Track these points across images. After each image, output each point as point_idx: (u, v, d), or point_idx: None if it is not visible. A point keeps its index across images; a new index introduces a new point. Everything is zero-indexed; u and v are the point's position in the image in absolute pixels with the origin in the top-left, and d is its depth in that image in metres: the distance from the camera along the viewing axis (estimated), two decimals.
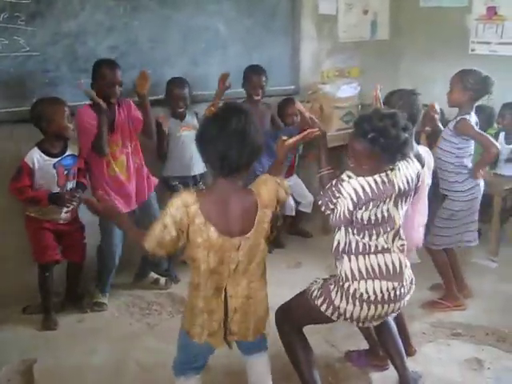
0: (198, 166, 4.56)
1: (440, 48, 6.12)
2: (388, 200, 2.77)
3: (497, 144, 4.02)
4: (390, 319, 3.29)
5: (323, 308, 2.87)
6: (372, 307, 2.83)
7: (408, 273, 2.93)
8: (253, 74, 4.89)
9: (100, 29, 4.23)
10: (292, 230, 5.50)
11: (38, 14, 3.90)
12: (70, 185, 3.95)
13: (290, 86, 5.60)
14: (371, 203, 2.73)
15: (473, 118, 4.01)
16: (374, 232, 2.80)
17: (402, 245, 2.91)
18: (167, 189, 4.58)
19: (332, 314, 2.87)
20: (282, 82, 5.49)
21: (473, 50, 6.03)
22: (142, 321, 4.02)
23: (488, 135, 4.08)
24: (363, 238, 2.80)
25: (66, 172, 3.90)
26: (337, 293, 2.84)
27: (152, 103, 4.29)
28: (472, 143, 4.08)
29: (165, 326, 3.93)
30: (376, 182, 2.73)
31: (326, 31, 5.87)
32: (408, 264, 2.94)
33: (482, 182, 4.12)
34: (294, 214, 5.26)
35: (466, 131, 3.97)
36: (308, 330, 3.07)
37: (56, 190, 3.86)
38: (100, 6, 4.20)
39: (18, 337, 3.79)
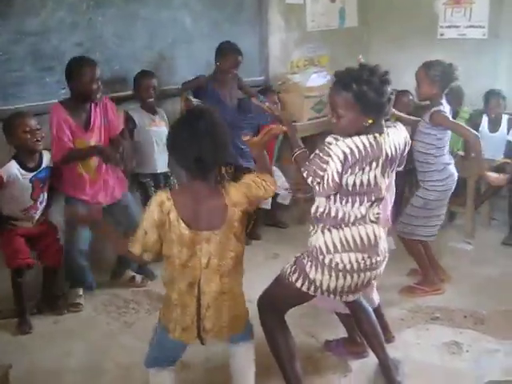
0: (164, 164, 4.55)
1: (409, 34, 6.13)
2: (375, 165, 2.70)
3: (473, 131, 4.01)
4: (368, 305, 3.28)
5: (299, 283, 2.84)
6: (348, 277, 2.80)
7: (383, 244, 2.89)
8: (233, 52, 4.79)
9: (63, 26, 4.15)
10: (268, 221, 5.47)
11: None
12: (42, 196, 3.94)
13: (259, 77, 5.60)
14: (356, 166, 2.66)
15: (446, 108, 4.01)
16: (358, 200, 2.74)
17: (378, 213, 2.85)
18: (137, 186, 4.57)
19: (308, 288, 2.83)
20: (251, 73, 5.47)
21: (442, 35, 6.06)
22: (119, 320, 3.98)
23: (463, 124, 4.07)
24: (345, 205, 2.75)
25: (41, 185, 3.89)
26: (311, 265, 2.80)
27: (119, 99, 4.28)
28: (449, 131, 4.08)
29: (142, 324, 3.88)
30: (364, 145, 2.66)
31: (294, 21, 5.85)
32: (383, 236, 2.90)
33: (455, 175, 4.12)
34: (269, 207, 5.24)
35: (442, 122, 3.96)
36: (287, 321, 3.05)
37: (29, 202, 3.85)
38: (62, 2, 4.11)
39: None
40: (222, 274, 2.60)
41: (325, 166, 2.68)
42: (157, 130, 4.51)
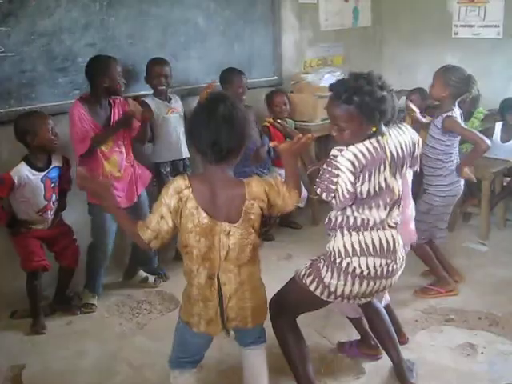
0: (186, 149, 4.55)
1: (423, 33, 6.11)
2: (383, 168, 2.69)
3: (485, 139, 3.96)
4: (382, 307, 3.26)
5: (313, 287, 2.81)
6: (364, 283, 2.77)
7: (401, 251, 2.87)
8: (234, 76, 4.82)
9: (76, 26, 4.15)
10: (282, 221, 5.45)
11: (11, 14, 3.82)
12: (55, 196, 3.93)
13: (272, 76, 5.58)
14: (366, 172, 2.64)
15: (457, 112, 3.97)
16: (373, 204, 2.73)
17: (396, 218, 2.83)
18: (158, 176, 4.52)
19: (322, 292, 2.80)
20: (264, 73, 5.48)
21: (456, 34, 6.02)
22: (132, 320, 3.98)
23: (475, 131, 4.01)
24: (362, 212, 2.73)
25: (52, 185, 3.89)
26: (327, 269, 2.78)
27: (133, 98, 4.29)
28: (458, 137, 4.04)
29: (155, 324, 3.90)
30: (368, 149, 2.65)
31: (308, 20, 5.83)
32: (401, 242, 2.88)
33: (462, 181, 4.08)
34: None
35: (453, 129, 3.93)
36: (299, 322, 3.04)
37: (43, 203, 3.84)
38: (75, 2, 4.12)
39: (6, 342, 3.74)
40: (240, 265, 2.58)
41: (335, 179, 2.65)
42: (174, 116, 4.52)
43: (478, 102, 5.22)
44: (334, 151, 2.70)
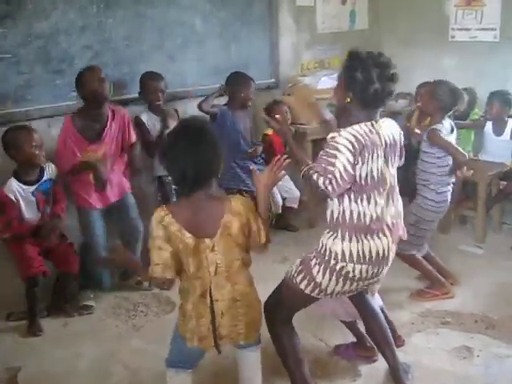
0: None
1: (420, 36, 6.12)
2: (380, 154, 2.71)
3: (464, 152, 3.98)
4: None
5: (303, 285, 2.84)
6: (354, 284, 2.84)
7: (392, 254, 2.91)
8: (250, 79, 4.88)
9: (73, 28, 4.17)
10: (278, 224, 5.45)
11: (8, 16, 3.83)
12: (48, 208, 3.93)
13: (269, 79, 5.60)
14: (365, 153, 2.66)
15: (445, 125, 3.98)
16: (371, 194, 2.73)
17: (394, 211, 2.86)
18: (162, 187, 4.55)
19: (312, 290, 2.84)
20: (261, 75, 5.47)
21: (453, 37, 6.02)
22: (128, 322, 3.97)
23: (453, 144, 4.00)
24: (361, 203, 2.74)
25: (44, 197, 3.89)
26: (319, 268, 2.80)
27: (128, 101, 4.38)
28: None
29: (151, 326, 3.90)
30: (364, 131, 2.68)
31: (305, 23, 5.84)
32: (394, 248, 2.91)
33: (449, 201, 4.07)
34: (280, 211, 5.23)
35: (433, 140, 3.95)
36: (295, 324, 3.05)
37: (37, 215, 3.86)
38: (72, 5, 4.13)
39: (2, 345, 3.73)
40: (234, 281, 2.59)
41: (333, 160, 2.66)
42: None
43: (474, 104, 5.27)
44: (331, 134, 2.72)
